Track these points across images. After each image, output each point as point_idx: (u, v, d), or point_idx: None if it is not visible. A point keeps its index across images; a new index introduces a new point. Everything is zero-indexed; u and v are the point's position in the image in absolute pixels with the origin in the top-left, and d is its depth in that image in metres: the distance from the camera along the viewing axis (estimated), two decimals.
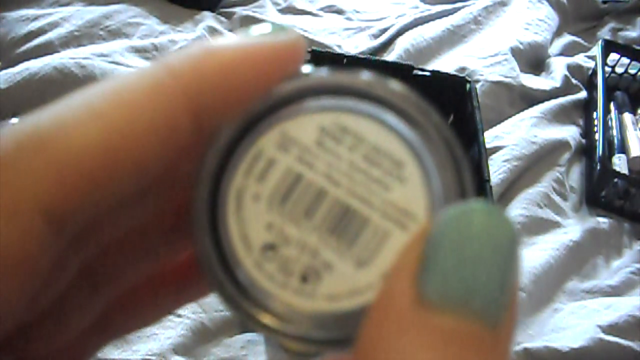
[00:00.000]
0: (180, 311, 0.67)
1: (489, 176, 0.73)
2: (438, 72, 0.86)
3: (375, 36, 1.05)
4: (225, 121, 0.15)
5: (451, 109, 0.83)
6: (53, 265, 0.14)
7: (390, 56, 1.00)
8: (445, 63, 1.00)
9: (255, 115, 0.16)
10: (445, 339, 0.12)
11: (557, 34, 1.13)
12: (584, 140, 0.96)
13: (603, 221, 0.86)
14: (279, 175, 0.16)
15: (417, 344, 0.12)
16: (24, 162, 0.13)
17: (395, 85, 0.16)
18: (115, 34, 0.95)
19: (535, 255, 0.79)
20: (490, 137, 0.88)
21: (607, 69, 1.01)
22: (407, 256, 0.14)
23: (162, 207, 0.17)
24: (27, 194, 0.13)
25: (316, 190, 0.15)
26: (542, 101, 0.98)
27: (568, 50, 1.10)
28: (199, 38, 0.95)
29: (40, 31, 0.92)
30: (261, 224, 0.15)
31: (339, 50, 0.99)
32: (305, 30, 1.02)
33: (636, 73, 1.04)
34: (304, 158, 0.16)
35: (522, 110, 0.96)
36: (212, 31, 0.98)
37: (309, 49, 0.81)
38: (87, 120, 0.14)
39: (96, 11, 0.97)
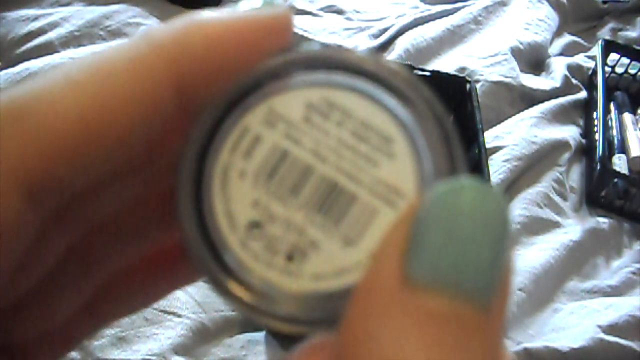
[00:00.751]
0: (180, 311, 0.67)
1: (489, 176, 0.73)
2: (438, 72, 0.86)
3: (375, 36, 1.05)
4: (211, 96, 0.15)
5: (451, 109, 0.83)
6: (34, 242, 0.14)
7: (390, 56, 0.99)
8: (445, 63, 1.00)
9: (241, 90, 0.15)
10: (434, 321, 0.12)
11: (557, 34, 1.13)
12: (584, 140, 0.96)
13: (603, 221, 0.86)
14: (265, 151, 0.15)
15: (404, 327, 0.12)
16: (0, 135, 0.13)
17: (384, 61, 0.16)
18: (115, 34, 0.95)
19: (535, 255, 0.78)
20: (490, 137, 0.88)
21: (607, 69, 1.01)
22: (394, 235, 0.13)
23: (151, 187, 0.17)
24: (3, 168, 0.13)
25: (303, 167, 0.15)
26: (542, 101, 0.98)
27: (568, 50, 1.10)
28: None
29: (40, 31, 0.92)
30: (247, 201, 0.15)
31: None
32: (305, 30, 1.02)
33: (636, 73, 1.04)
34: (290, 134, 0.15)
35: (522, 110, 0.96)
36: None
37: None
38: (65, 92, 0.13)
39: (96, 11, 0.97)
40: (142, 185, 0.17)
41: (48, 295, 0.16)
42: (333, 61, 0.16)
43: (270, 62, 0.15)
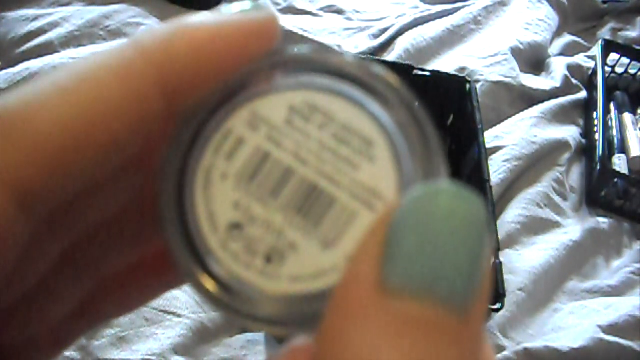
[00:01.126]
0: (180, 311, 0.67)
1: (489, 176, 0.73)
2: (438, 72, 0.86)
3: (375, 36, 1.05)
4: (196, 100, 0.15)
5: (451, 109, 0.83)
6: (26, 249, 0.14)
7: (390, 56, 1.00)
8: (445, 63, 1.00)
9: (225, 93, 0.15)
10: (409, 326, 0.12)
11: (557, 34, 1.13)
12: (584, 140, 0.96)
13: (603, 221, 0.86)
14: (248, 154, 0.15)
15: (379, 332, 0.12)
16: None
17: (367, 64, 0.16)
18: (115, 34, 0.95)
19: (535, 255, 0.79)
20: (490, 137, 0.88)
21: (607, 69, 1.01)
22: (370, 239, 0.13)
23: (142, 191, 0.17)
24: None
25: (283, 169, 0.15)
26: (542, 101, 0.98)
27: (568, 50, 1.10)
28: None
29: (40, 31, 0.92)
30: (228, 203, 0.15)
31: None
32: (305, 30, 1.02)
33: (636, 73, 1.04)
34: (272, 137, 0.15)
35: (522, 110, 0.96)
36: None
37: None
38: (54, 99, 0.13)
39: (96, 11, 0.97)
40: (133, 189, 0.17)
41: (40, 300, 0.16)
42: (316, 64, 0.16)
43: (254, 65, 0.16)
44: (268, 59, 0.16)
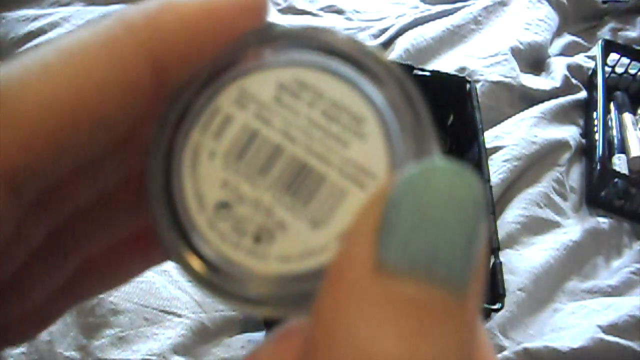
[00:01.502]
0: (180, 311, 0.67)
1: (489, 176, 0.73)
2: (438, 72, 0.86)
3: (375, 36, 1.05)
4: (183, 77, 0.15)
5: (451, 109, 0.83)
6: (14, 230, 0.13)
7: (390, 56, 0.99)
8: (445, 63, 1.00)
9: (213, 70, 0.15)
10: (407, 307, 0.11)
11: (557, 34, 1.13)
12: (584, 140, 0.96)
13: (603, 221, 0.86)
14: (236, 132, 0.15)
15: (376, 314, 0.11)
16: None
17: (357, 41, 0.15)
18: None
19: (535, 255, 0.79)
20: (490, 137, 0.88)
21: (607, 69, 1.01)
22: (364, 218, 0.13)
23: (129, 171, 0.17)
24: None
25: (272, 147, 0.15)
26: (542, 101, 0.98)
27: (568, 50, 1.10)
28: None
29: (40, 31, 0.92)
30: (216, 182, 0.15)
31: None
32: None
33: (636, 73, 1.04)
34: (261, 114, 0.15)
35: (522, 110, 0.96)
36: None
37: None
38: (41, 79, 0.13)
39: (96, 11, 0.97)
40: (121, 168, 0.16)
41: (25, 280, 0.16)
42: (306, 41, 0.15)
43: (243, 41, 0.15)
44: (256, 35, 0.15)
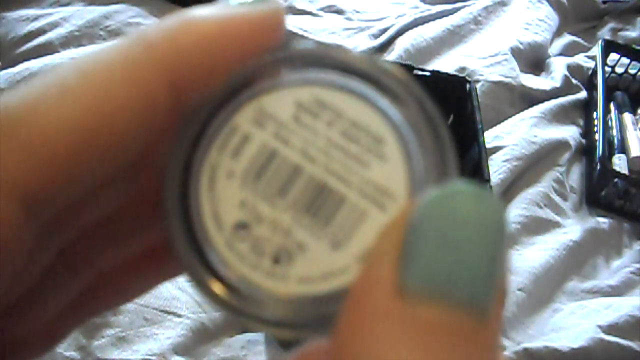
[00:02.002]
0: (180, 311, 0.67)
1: (489, 176, 0.73)
2: (438, 72, 0.86)
3: (375, 36, 1.05)
4: (201, 95, 0.15)
5: (451, 109, 0.83)
6: (30, 250, 0.13)
7: (390, 56, 0.99)
8: (445, 63, 1.00)
9: (231, 89, 0.15)
10: (429, 331, 0.12)
11: (557, 34, 1.13)
12: (584, 140, 0.96)
13: (603, 221, 0.86)
14: (254, 151, 0.15)
15: (398, 337, 0.11)
16: None
17: (377, 60, 0.15)
18: (115, 34, 0.95)
19: (535, 255, 0.79)
20: (490, 137, 0.88)
21: (607, 69, 1.01)
22: (386, 241, 0.13)
23: (142, 188, 0.17)
24: (2, 181, 0.12)
25: (291, 167, 0.15)
26: (542, 101, 0.98)
27: (568, 50, 1.10)
28: None
29: (40, 31, 0.92)
30: (234, 201, 0.15)
31: None
32: (305, 30, 1.02)
33: (636, 73, 1.04)
34: (279, 134, 0.15)
35: (522, 110, 0.96)
36: None
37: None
38: (60, 100, 0.13)
39: (96, 11, 0.97)
40: (136, 186, 0.16)
41: (39, 297, 0.16)
42: (324, 60, 0.15)
43: (261, 60, 0.15)
44: (274, 54, 0.15)
